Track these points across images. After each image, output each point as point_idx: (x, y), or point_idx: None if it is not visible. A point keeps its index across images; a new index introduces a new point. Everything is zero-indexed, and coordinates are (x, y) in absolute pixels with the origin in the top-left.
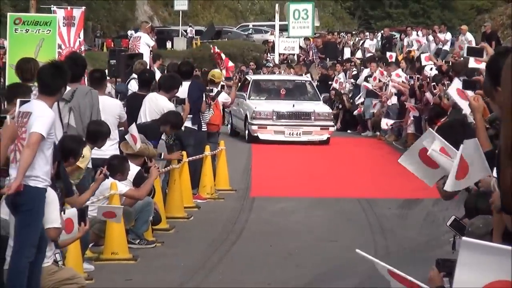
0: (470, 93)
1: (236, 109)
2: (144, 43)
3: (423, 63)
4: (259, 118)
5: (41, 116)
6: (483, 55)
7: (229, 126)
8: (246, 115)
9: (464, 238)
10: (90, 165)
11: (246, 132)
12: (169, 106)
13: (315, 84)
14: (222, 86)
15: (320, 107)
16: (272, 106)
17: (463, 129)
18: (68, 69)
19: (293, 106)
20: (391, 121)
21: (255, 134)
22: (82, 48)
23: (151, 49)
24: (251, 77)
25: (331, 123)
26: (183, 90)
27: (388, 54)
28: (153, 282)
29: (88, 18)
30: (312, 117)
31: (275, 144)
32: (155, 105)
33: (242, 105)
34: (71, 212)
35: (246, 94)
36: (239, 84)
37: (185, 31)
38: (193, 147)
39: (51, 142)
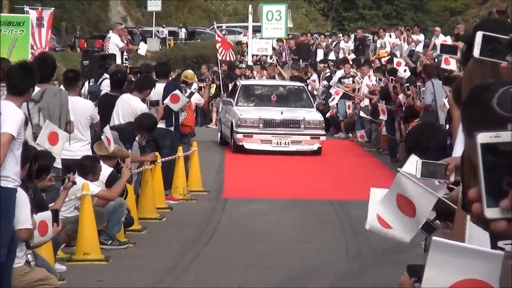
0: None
1: (224, 117)
2: (113, 44)
3: (395, 66)
4: (244, 126)
5: (11, 116)
6: (456, 52)
7: (218, 134)
8: (232, 123)
9: (434, 238)
10: (60, 165)
11: (232, 141)
12: (142, 107)
13: None
14: (200, 88)
15: (312, 114)
16: (259, 113)
17: (433, 132)
18: (37, 70)
19: (282, 113)
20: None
21: (240, 143)
22: (48, 48)
23: (120, 50)
24: (240, 82)
25: (323, 131)
26: (158, 91)
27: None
28: (125, 283)
29: (61, 18)
30: (302, 125)
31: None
32: (128, 106)
33: (230, 112)
34: (46, 215)
35: (234, 100)
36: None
37: (158, 31)
38: (169, 148)
39: (21, 142)
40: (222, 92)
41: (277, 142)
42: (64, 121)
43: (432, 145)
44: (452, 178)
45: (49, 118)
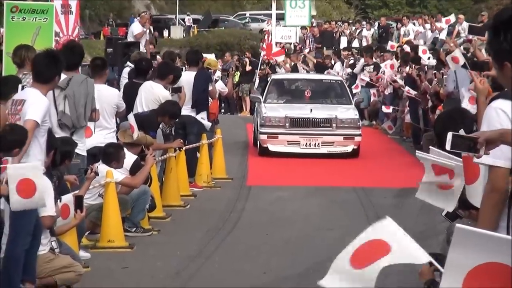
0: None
1: (256, 115)
2: (131, 32)
3: (420, 55)
4: (269, 125)
5: (35, 103)
6: (484, 33)
7: (252, 134)
8: (257, 122)
9: (457, 224)
10: (84, 153)
11: (258, 142)
12: (165, 94)
13: (312, 73)
14: (227, 75)
15: (346, 112)
16: (286, 110)
17: (462, 118)
18: (63, 58)
19: (311, 111)
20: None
21: (265, 145)
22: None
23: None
24: (271, 76)
25: (358, 131)
26: (189, 79)
27: (390, 44)
28: (149, 270)
29: (85, 6)
30: (334, 124)
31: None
32: (151, 93)
33: (258, 110)
34: (67, 198)
35: (263, 97)
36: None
37: (183, 19)
38: (195, 136)
39: (45, 129)
40: (254, 88)
41: (306, 144)
42: (90, 109)
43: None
44: (481, 152)
45: (75, 106)
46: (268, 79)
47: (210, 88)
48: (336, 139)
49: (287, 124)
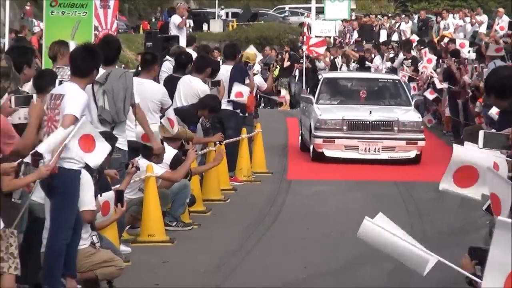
0: None
1: (304, 117)
2: (172, 23)
3: (458, 48)
4: (324, 128)
5: (74, 98)
6: None
7: (299, 138)
8: (310, 125)
9: (499, 218)
10: (125, 147)
11: (311, 147)
12: (203, 88)
13: (353, 65)
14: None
15: (407, 114)
16: (343, 112)
17: None
18: (101, 52)
19: (370, 113)
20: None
21: (320, 150)
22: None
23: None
24: (322, 75)
25: (421, 135)
26: (225, 73)
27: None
28: (190, 264)
29: (124, 0)
30: (395, 128)
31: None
32: (189, 87)
33: (309, 111)
34: (108, 195)
35: (315, 97)
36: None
37: (226, 13)
38: (233, 130)
39: None
40: (303, 87)
41: (365, 149)
42: (129, 103)
43: None
44: None
45: (113, 101)
46: (320, 77)
47: (247, 82)
48: (398, 144)
49: (344, 127)
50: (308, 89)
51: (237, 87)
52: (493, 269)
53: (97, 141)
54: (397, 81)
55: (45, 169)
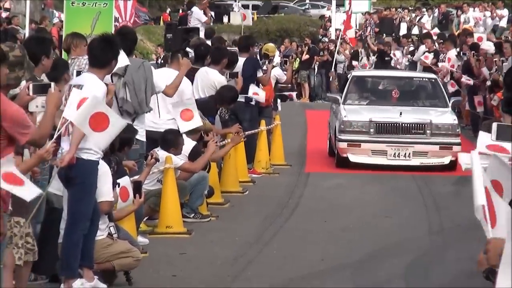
0: None
1: (332, 118)
2: (195, 18)
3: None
4: (349, 131)
5: (93, 88)
6: None
7: (327, 142)
8: (335, 127)
9: None
10: (144, 138)
11: (336, 151)
12: (220, 79)
13: (372, 58)
14: (285, 62)
15: (442, 116)
16: (370, 114)
17: None
18: (119, 43)
19: (400, 114)
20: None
21: (344, 155)
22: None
23: (204, 24)
24: (351, 72)
25: (457, 139)
26: (239, 65)
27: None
28: (208, 256)
29: None
30: (428, 131)
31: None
32: (206, 79)
33: (336, 113)
34: (125, 181)
35: (342, 97)
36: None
37: (243, 6)
38: (248, 122)
39: None
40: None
41: (394, 154)
42: (150, 94)
43: None
44: None
45: (135, 92)
46: (348, 76)
47: (260, 74)
48: (431, 149)
49: (371, 130)
50: (338, 87)
51: (253, 89)
52: (509, 261)
53: (110, 118)
54: (433, 80)
55: (44, 151)
